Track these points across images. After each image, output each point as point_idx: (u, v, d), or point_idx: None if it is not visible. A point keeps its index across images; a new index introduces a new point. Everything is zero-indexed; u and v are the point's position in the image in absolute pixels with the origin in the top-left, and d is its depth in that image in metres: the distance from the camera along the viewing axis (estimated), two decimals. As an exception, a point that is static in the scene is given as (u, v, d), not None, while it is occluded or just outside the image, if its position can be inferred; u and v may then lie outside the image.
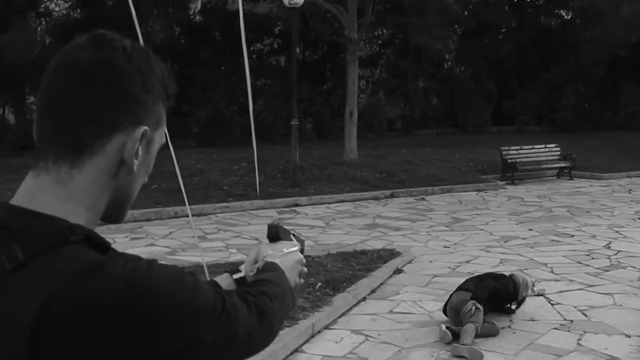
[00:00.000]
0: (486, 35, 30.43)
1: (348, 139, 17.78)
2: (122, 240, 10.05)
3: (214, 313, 1.10)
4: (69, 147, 1.08)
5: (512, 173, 16.84)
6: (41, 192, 1.08)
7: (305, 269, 1.55)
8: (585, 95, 29.34)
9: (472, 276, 6.74)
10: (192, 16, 29.47)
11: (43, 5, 28.88)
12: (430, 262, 8.68)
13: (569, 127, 27.99)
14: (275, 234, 1.56)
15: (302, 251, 1.57)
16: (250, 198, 13.45)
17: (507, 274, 6.74)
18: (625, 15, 22.63)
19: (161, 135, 1.20)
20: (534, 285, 7.27)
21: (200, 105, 26.13)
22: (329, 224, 11.57)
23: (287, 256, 1.48)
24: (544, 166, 17.58)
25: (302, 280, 1.54)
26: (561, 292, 7.21)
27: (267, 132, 25.85)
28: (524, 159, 17.28)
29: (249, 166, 16.46)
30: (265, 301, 1.25)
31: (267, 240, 1.56)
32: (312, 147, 21.72)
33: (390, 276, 7.89)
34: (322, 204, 13.66)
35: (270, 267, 1.42)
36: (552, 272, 8.09)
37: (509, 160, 16.90)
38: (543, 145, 18.11)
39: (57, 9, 29.35)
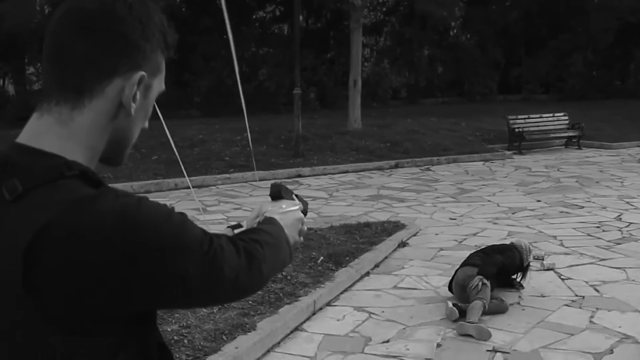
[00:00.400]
0: (493, 1, 29.84)
1: (352, 108, 17.45)
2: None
3: (200, 250, 1.14)
4: (70, 90, 1.14)
5: (519, 142, 16.52)
6: (44, 132, 1.14)
7: (306, 228, 1.57)
8: (593, 63, 28.86)
9: (477, 250, 6.48)
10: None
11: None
12: (436, 234, 8.43)
13: (577, 96, 27.57)
14: (278, 192, 1.58)
15: (304, 212, 1.59)
16: (252, 169, 13.18)
17: (508, 242, 6.51)
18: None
19: (160, 83, 1.25)
20: (543, 259, 7.04)
21: (202, 74, 25.78)
22: (332, 195, 11.31)
23: (287, 214, 1.51)
24: (552, 135, 17.24)
25: (302, 238, 1.56)
26: (571, 266, 6.96)
27: (270, 101, 25.53)
28: (531, 128, 16.94)
29: (252, 136, 16.17)
30: (256, 247, 1.28)
31: (270, 199, 1.58)
32: (316, 116, 21.41)
33: (395, 249, 7.65)
34: (325, 174, 13.40)
35: (268, 221, 1.45)
36: (561, 245, 7.83)
37: (516, 130, 16.57)
38: (551, 114, 17.75)
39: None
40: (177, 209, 1.16)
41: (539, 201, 10.50)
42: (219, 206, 10.50)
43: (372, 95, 27.51)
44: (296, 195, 1.63)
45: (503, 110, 20.92)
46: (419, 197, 11.03)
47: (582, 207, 9.99)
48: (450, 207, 10.16)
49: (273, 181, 1.64)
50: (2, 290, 1.06)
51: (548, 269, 6.78)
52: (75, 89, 1.14)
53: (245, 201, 10.82)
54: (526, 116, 17.28)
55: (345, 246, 7.48)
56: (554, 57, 28.86)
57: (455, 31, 31.35)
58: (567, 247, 7.70)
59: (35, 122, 1.17)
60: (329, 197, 11.21)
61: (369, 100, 26.63)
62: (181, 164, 7.76)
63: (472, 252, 6.40)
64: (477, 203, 10.43)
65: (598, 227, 8.72)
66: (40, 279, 1.03)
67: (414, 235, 8.37)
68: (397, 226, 8.61)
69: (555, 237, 8.18)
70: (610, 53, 29.25)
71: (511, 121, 16.86)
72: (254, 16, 28.34)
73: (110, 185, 1.13)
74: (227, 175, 12.74)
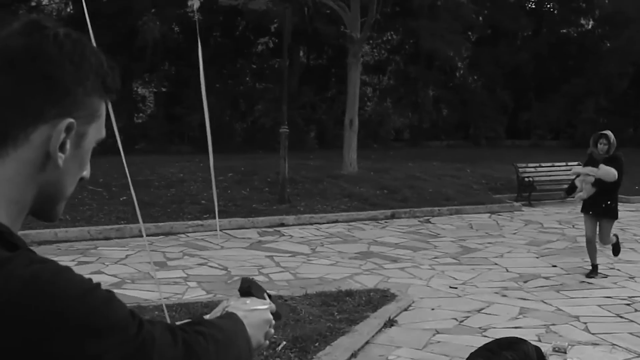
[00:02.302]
0: (501, 42, 28.64)
1: (347, 150, 16.04)
2: (67, 264, 8.32)
3: (125, 334, 1.01)
4: None
5: (529, 193, 15.05)
6: None
7: (272, 331, 1.42)
8: (605, 109, 27.48)
9: (479, 348, 4.95)
10: (190, 14, 28.01)
11: (35, 1, 27.50)
12: (432, 309, 6.93)
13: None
14: (247, 288, 1.45)
15: (276, 315, 1.44)
16: (229, 215, 11.74)
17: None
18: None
19: (98, 130, 1.13)
20: (565, 352, 5.56)
21: (195, 108, 24.49)
22: (315, 251, 9.82)
23: (253, 312, 1.38)
24: (565, 186, 15.73)
25: (268, 342, 1.41)
26: (603, 364, 5.45)
27: (266, 138, 24.21)
28: (542, 178, 15.47)
29: (235, 177, 14.81)
30: (198, 340, 1.14)
31: (238, 294, 1.45)
32: (311, 156, 20.03)
33: (380, 331, 6.15)
34: (311, 224, 11.92)
35: (227, 316, 1.32)
36: (586, 330, 6.32)
37: (526, 179, 15.12)
38: (564, 163, 16.27)
39: (46, 2, 28.00)
40: (132, 262, 0.96)
41: (555, 266, 9.01)
42: (181, 260, 9.02)
43: (374, 136, 26.19)
44: (268, 295, 1.47)
45: (511, 156, 19.51)
46: (415, 256, 9.53)
47: (606, 276, 8.49)
48: (450, 271, 8.66)
49: (244, 276, 1.55)
50: None
51: (573, 369, 5.27)
52: None
53: (214, 255, 9.35)
54: (537, 164, 15.84)
55: (317, 325, 5.99)
56: (565, 102, 27.51)
57: (462, 72, 30.10)
58: (593, 334, 6.18)
59: None
60: (311, 252, 9.72)
61: (369, 142, 25.32)
62: (137, 210, 6.32)
63: (474, 351, 4.88)
64: (482, 266, 8.94)
65: (629, 304, 7.21)
66: None
67: (405, 309, 6.87)
68: (385, 297, 7.12)
69: (577, 318, 6.67)
70: (623, 100, 27.91)
71: (520, 170, 15.42)
72: (253, 50, 27.17)
73: (31, 249, 1.02)
74: (200, 222, 11.27)
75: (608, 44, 28.85)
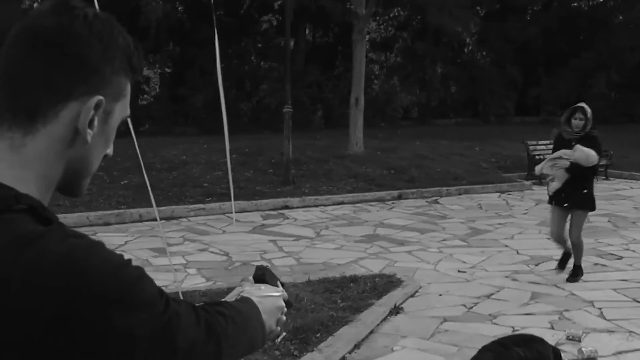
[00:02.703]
0: (510, 17, 28.07)
1: (353, 129, 15.71)
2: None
3: (153, 310, 1.03)
4: (22, 114, 1.06)
5: (539, 171, 14.68)
6: None
7: (284, 318, 1.46)
8: (618, 84, 26.96)
9: (491, 342, 4.66)
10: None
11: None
12: (440, 295, 6.66)
13: (599, 119, 25.60)
14: (261, 276, 1.49)
15: (288, 303, 1.47)
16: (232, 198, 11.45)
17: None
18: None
19: (123, 108, 1.16)
20: (580, 340, 5.29)
21: (199, 88, 24.19)
22: (320, 234, 9.55)
23: (267, 298, 1.41)
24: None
25: (280, 328, 1.45)
26: (620, 353, 5.16)
27: (272, 119, 23.86)
28: (553, 155, 15.10)
29: (239, 158, 14.50)
30: (219, 320, 1.19)
31: (252, 280, 1.48)
32: (318, 136, 19.73)
33: (385, 319, 5.88)
34: (316, 206, 11.64)
35: (243, 300, 1.36)
36: (601, 316, 6.03)
37: (537, 157, 14.74)
38: (575, 140, 15.91)
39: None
40: (131, 249, 0.99)
41: (567, 248, 8.69)
42: (182, 246, 8.77)
43: (381, 115, 25.81)
44: (281, 283, 1.51)
45: (520, 133, 19.12)
46: (423, 238, 9.25)
47: (621, 258, 8.18)
48: (459, 253, 8.38)
49: (259, 264, 1.68)
50: None
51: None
52: (28, 112, 1.06)
53: (215, 240, 9.10)
54: (548, 142, 15.38)
55: (319, 314, 5.73)
56: (575, 77, 27.00)
57: (470, 48, 29.60)
58: (609, 321, 5.89)
59: None
60: (315, 236, 9.45)
61: (377, 120, 24.97)
62: (151, 193, 6.14)
63: (486, 344, 4.59)
64: (492, 249, 8.64)
65: (645, 288, 6.91)
66: None
67: (412, 295, 6.60)
68: (391, 282, 6.86)
69: (592, 303, 6.38)
70: (636, 74, 27.36)
71: (531, 147, 15.06)
72: (258, 28, 26.74)
73: (61, 221, 1.04)
74: (202, 206, 11.01)
75: (620, 17, 28.25)
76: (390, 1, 25.41)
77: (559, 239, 7.30)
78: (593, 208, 7.20)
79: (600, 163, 15.25)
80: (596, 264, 7.86)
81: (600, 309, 6.21)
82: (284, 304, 1.45)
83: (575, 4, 30.30)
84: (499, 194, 13.30)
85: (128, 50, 1.12)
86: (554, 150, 7.22)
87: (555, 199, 7.12)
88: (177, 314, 1.07)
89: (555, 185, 7.06)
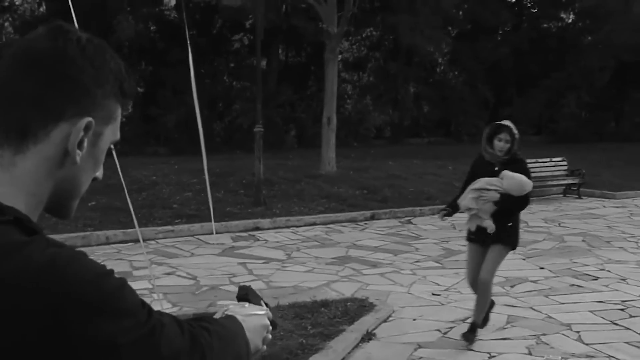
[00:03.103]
0: (482, 37, 28.24)
1: (325, 149, 15.54)
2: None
3: (136, 319, 1.04)
4: (13, 133, 1.08)
5: (512, 190, 14.59)
6: None
7: (270, 336, 1.45)
8: (588, 104, 27.17)
9: None
10: (166, 12, 27.34)
11: (8, 1, 26.79)
12: (414, 320, 6.45)
13: (570, 138, 25.87)
14: (245, 295, 1.50)
15: (272, 322, 1.46)
16: (202, 220, 11.19)
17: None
18: (638, 12, 20.48)
19: (113, 131, 1.18)
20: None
21: (171, 108, 23.91)
22: (291, 256, 9.32)
23: (251, 317, 1.40)
24: (550, 183, 15.37)
25: (265, 347, 1.44)
26: (599, 379, 5.00)
27: (244, 139, 23.60)
28: (526, 174, 15.03)
29: (210, 179, 14.19)
30: (203, 334, 1.18)
31: (235, 300, 1.49)
32: (290, 156, 19.53)
33: (356, 346, 5.66)
34: (288, 227, 11.40)
35: (227, 317, 1.36)
36: (580, 340, 5.87)
37: (510, 176, 14.65)
38: (548, 159, 15.90)
39: (19, 2, 27.30)
40: None
41: (542, 268, 8.57)
42: (147, 270, 8.47)
43: (354, 135, 25.68)
44: (265, 303, 1.52)
45: (493, 153, 19.09)
46: (396, 260, 9.06)
47: (597, 279, 8.05)
48: (433, 276, 8.19)
49: (242, 284, 1.59)
50: None
51: (568, 387, 4.81)
52: (19, 131, 1.09)
53: (183, 263, 8.82)
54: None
55: (289, 341, 5.50)
56: (546, 97, 27.17)
57: (442, 68, 29.70)
58: (588, 345, 5.73)
59: None
60: (286, 258, 9.21)
61: (350, 140, 24.85)
62: (133, 213, 6.02)
63: None
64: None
65: (622, 309, 6.78)
66: None
67: (385, 320, 6.39)
68: (363, 306, 6.65)
69: (569, 326, 6.23)
70: (605, 94, 27.61)
71: (504, 166, 14.95)
72: (230, 48, 26.57)
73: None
74: (171, 228, 10.72)
75: (589, 38, 28.56)
76: (362, 20, 25.38)
77: (474, 283, 5.93)
78: (515, 245, 5.89)
79: (573, 182, 15.37)
80: (572, 285, 7.72)
81: (578, 332, 6.05)
82: (268, 322, 1.45)
83: (545, 25, 30.59)
84: (472, 213, 13.15)
85: (120, 75, 1.15)
86: (472, 175, 6.03)
87: (476, 235, 5.87)
88: (161, 324, 1.07)
89: (478, 221, 5.78)
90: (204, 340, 1.16)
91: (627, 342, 5.77)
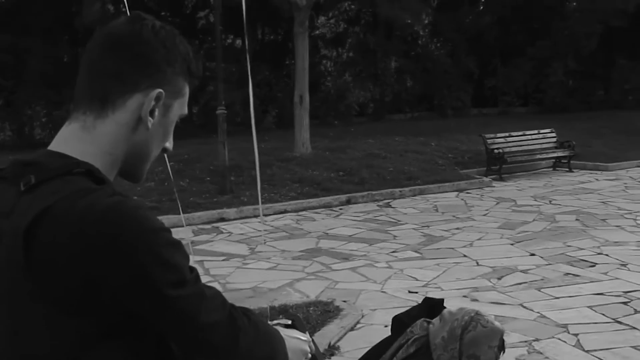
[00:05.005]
0: (463, 6, 27.19)
1: (299, 130, 14.60)
2: None
3: (182, 276, 1.16)
4: (96, 101, 1.26)
5: (499, 166, 13.73)
6: (68, 137, 1.27)
7: None
8: (575, 72, 26.23)
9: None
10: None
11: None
12: (386, 326, 5.50)
13: (558, 108, 24.98)
14: (292, 323, 1.54)
15: (313, 356, 1.52)
16: (163, 212, 10.22)
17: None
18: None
19: (181, 106, 1.35)
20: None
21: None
22: (254, 251, 8.40)
23: (294, 339, 1.46)
24: (538, 156, 14.50)
25: None
26: (605, 399, 4.11)
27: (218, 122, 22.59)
28: (513, 149, 14.16)
29: (175, 166, 13.25)
30: (242, 318, 1.26)
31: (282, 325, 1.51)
32: (266, 138, 18.51)
33: (316, 365, 4.74)
34: (255, 216, 10.47)
35: (271, 326, 1.43)
36: (578, 345, 4.99)
37: (496, 151, 13.79)
38: (536, 131, 15.01)
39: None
40: None
41: (533, 255, 7.68)
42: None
43: (334, 113, 24.68)
44: (310, 336, 1.56)
45: (478, 126, 18.22)
46: (370, 251, 8.15)
47: (594, 265, 7.17)
48: (410, 269, 7.29)
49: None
50: (11, 268, 1.15)
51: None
52: (101, 99, 1.26)
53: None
54: (507, 134, 14.51)
55: None
56: (532, 66, 26.20)
57: (423, 40, 28.65)
58: (588, 352, 4.85)
59: (64, 129, 1.29)
60: (249, 253, 8.30)
61: (330, 119, 23.88)
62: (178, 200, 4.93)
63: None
64: (448, 260, 7.58)
65: (625, 302, 5.91)
66: (36, 258, 1.12)
67: (352, 329, 5.49)
68: (327, 312, 5.76)
69: (566, 327, 5.34)
70: (592, 61, 26.66)
71: (489, 140, 14.07)
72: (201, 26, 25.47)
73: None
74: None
75: (574, 3, 27.59)
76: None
77: None
78: None
79: (563, 154, 14.50)
80: (567, 274, 6.84)
81: (576, 335, 5.17)
82: (308, 350, 1.50)
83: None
84: (456, 192, 12.28)
85: (187, 57, 1.33)
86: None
87: None
88: (203, 291, 1.20)
89: None
90: (242, 323, 1.25)
91: (634, 347, 4.89)
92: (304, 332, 1.54)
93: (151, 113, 1.26)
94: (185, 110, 1.36)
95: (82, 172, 1.18)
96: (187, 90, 1.34)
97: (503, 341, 2.30)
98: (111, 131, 1.25)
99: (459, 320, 2.33)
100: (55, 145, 1.26)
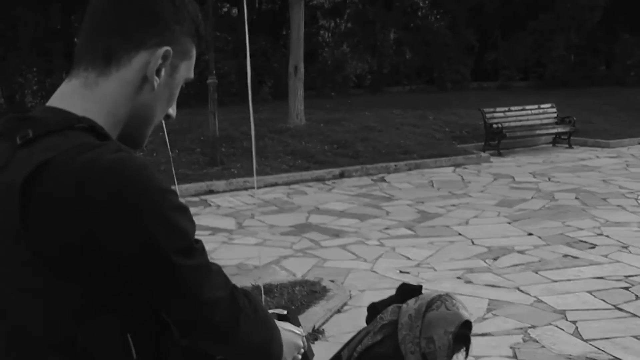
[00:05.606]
0: (465, -22, 26.64)
1: (293, 100, 14.23)
2: None
3: (187, 243, 1.10)
4: (99, 57, 1.19)
5: (498, 141, 13.39)
6: (68, 94, 1.20)
7: (300, 357, 1.49)
8: (577, 46, 25.78)
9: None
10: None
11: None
12: (374, 309, 5.26)
13: (559, 83, 24.57)
14: (286, 315, 1.53)
15: (304, 354, 1.51)
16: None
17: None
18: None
19: (188, 68, 1.28)
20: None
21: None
22: (242, 226, 8.11)
23: (288, 332, 1.44)
24: (538, 132, 14.15)
25: None
26: (605, 394, 3.84)
27: (217, 91, 22.19)
28: (512, 124, 13.80)
29: (164, 136, 12.92)
30: (243, 299, 1.22)
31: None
32: (261, 108, 18.12)
33: (298, 350, 4.46)
34: (245, 189, 10.16)
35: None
36: (577, 334, 4.71)
37: (495, 126, 13.44)
38: (536, 106, 14.64)
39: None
40: None
41: (531, 234, 7.38)
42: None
43: (331, 84, 24.27)
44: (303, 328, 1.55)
45: (477, 100, 17.86)
46: (362, 227, 7.85)
47: (594, 246, 6.88)
48: (403, 246, 7.00)
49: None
50: (4, 224, 1.08)
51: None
52: (104, 56, 1.19)
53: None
54: (506, 108, 14.15)
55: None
56: (533, 40, 25.73)
57: (423, 11, 28.12)
58: (587, 341, 4.57)
59: (64, 86, 1.22)
60: (236, 228, 8.01)
61: (327, 90, 23.49)
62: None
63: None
64: (442, 238, 7.28)
65: (627, 287, 5.63)
66: (32, 214, 1.05)
67: (338, 311, 5.22)
68: (313, 292, 5.48)
69: (564, 314, 5.07)
70: (595, 35, 26.19)
71: (488, 115, 13.71)
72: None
73: None
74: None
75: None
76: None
77: None
78: None
79: (563, 130, 14.17)
80: (566, 256, 6.55)
81: (574, 322, 4.89)
82: (302, 344, 1.49)
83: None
84: (453, 167, 11.96)
85: (196, 18, 1.26)
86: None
87: None
88: (208, 265, 1.15)
89: None
90: (243, 304, 1.20)
91: (635, 337, 4.61)
92: (298, 326, 1.52)
93: (157, 72, 1.20)
94: (192, 74, 1.30)
95: (84, 128, 1.13)
96: (194, 52, 1.28)
97: (466, 335, 2.02)
98: (115, 90, 1.19)
99: (427, 297, 2.08)
100: (55, 102, 1.20)
